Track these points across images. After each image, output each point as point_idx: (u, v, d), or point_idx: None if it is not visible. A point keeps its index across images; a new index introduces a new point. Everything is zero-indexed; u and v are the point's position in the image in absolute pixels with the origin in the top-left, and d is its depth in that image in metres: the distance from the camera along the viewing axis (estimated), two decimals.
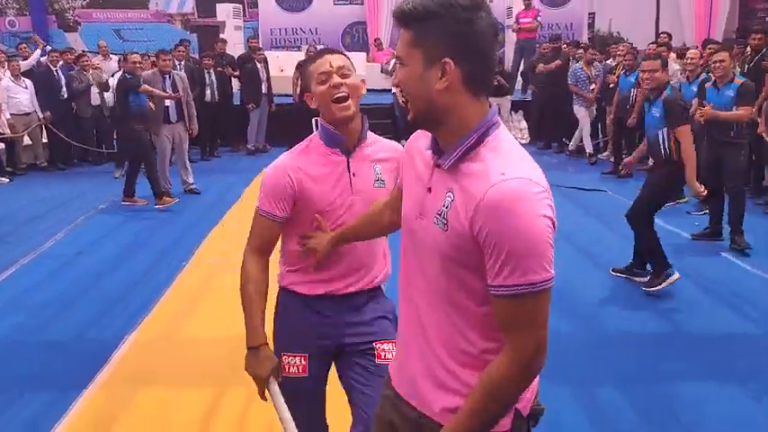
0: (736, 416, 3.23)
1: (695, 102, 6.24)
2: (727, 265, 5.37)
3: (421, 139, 1.49)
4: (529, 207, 1.22)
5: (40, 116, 9.73)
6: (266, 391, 1.95)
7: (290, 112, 11.13)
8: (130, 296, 4.84)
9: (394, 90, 10.09)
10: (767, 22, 12.35)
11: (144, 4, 18.17)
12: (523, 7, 13.03)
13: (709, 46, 7.94)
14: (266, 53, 11.78)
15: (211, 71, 10.64)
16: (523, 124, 12.15)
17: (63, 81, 10.06)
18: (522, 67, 12.89)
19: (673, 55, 8.60)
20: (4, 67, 9.95)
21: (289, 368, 2.04)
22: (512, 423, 1.39)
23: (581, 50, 10.48)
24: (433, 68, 1.29)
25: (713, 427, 3.14)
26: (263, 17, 16.83)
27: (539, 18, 13.14)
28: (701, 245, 5.88)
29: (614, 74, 9.28)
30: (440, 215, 1.33)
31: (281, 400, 1.91)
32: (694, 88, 6.72)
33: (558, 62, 10.71)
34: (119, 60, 10.90)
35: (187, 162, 8.32)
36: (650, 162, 5.64)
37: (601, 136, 10.50)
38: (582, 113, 9.92)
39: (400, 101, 1.40)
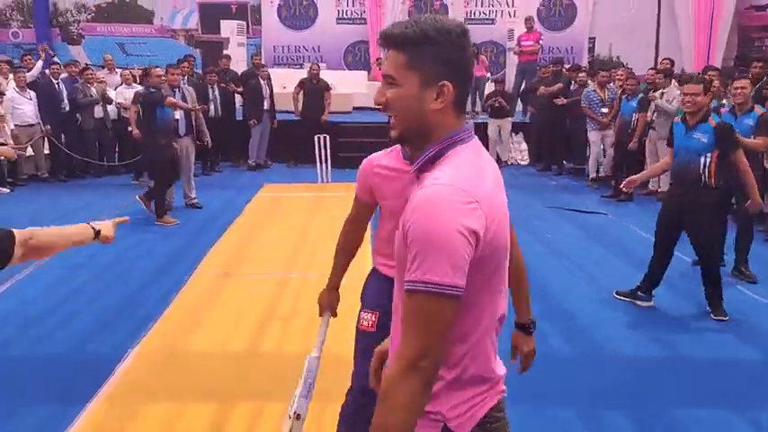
0: None
1: None
2: (730, 291, 5.38)
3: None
4: (444, 210, 1.26)
5: (43, 128, 9.73)
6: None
7: (291, 128, 11.22)
8: (132, 309, 4.84)
9: None
10: (764, 50, 12.48)
11: (149, 19, 18.21)
12: (525, 30, 13.19)
13: (708, 72, 8.03)
14: (269, 70, 11.86)
15: (215, 86, 10.69)
16: (524, 146, 12.23)
17: (64, 94, 10.01)
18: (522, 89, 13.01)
19: (674, 81, 8.69)
20: (7, 78, 9.97)
21: (362, 322, 2.42)
22: None
23: (583, 74, 10.55)
24: (429, 90, 1.36)
25: None
26: (266, 34, 16.94)
27: (540, 41, 13.30)
28: None
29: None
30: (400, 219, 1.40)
31: (323, 330, 2.45)
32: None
33: (559, 85, 10.81)
34: (122, 74, 10.99)
35: (192, 176, 8.28)
36: (664, 185, 5.43)
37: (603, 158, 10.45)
38: (594, 137, 9.77)
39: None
